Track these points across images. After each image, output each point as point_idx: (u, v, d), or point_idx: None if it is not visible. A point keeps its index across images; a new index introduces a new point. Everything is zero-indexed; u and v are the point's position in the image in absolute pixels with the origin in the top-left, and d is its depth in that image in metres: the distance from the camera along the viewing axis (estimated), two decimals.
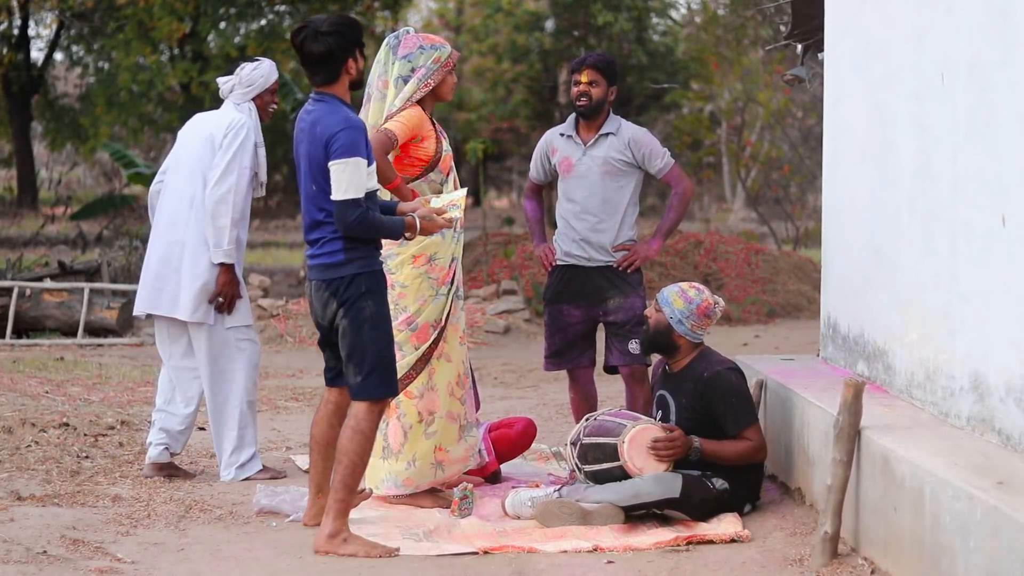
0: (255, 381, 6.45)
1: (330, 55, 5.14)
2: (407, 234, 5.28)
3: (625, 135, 6.54)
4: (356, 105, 5.44)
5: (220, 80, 6.51)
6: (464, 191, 5.61)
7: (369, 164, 5.12)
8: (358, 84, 5.30)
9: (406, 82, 5.85)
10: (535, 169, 6.83)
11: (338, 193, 5.04)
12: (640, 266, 6.56)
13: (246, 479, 6.30)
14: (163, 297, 6.35)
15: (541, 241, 6.78)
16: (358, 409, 5.18)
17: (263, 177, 6.46)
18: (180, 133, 6.60)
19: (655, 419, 5.83)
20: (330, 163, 5.05)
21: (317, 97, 5.21)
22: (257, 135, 6.41)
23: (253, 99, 6.44)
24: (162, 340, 6.47)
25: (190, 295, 6.29)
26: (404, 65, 5.88)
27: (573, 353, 6.62)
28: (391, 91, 5.87)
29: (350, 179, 5.03)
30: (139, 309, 6.49)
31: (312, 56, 5.15)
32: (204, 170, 6.31)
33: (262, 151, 6.43)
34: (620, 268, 6.51)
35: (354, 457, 5.14)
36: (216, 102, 6.66)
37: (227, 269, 6.27)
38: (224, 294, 6.27)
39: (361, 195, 5.05)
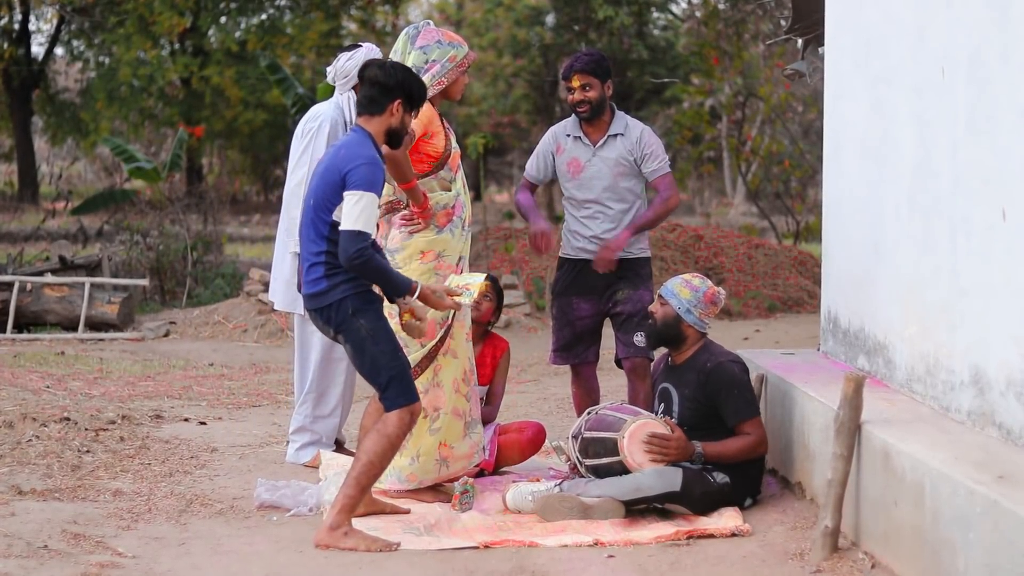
0: (328, 373, 6.62)
1: (383, 85, 5.16)
2: (406, 297, 5.16)
3: (634, 134, 6.48)
4: None
5: (328, 68, 6.71)
6: (483, 278, 5.54)
7: None
8: (396, 139, 5.26)
9: (418, 72, 5.83)
10: (534, 167, 6.70)
11: (347, 223, 5.01)
12: (614, 260, 6.41)
13: (304, 464, 6.54)
14: (271, 288, 6.80)
15: (537, 219, 6.54)
16: (389, 417, 5.20)
17: None
18: None
19: (657, 412, 5.84)
20: (346, 192, 5.04)
21: (354, 128, 5.24)
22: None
23: (353, 88, 6.48)
24: None
25: (280, 285, 6.66)
26: (419, 55, 5.85)
27: (580, 347, 6.61)
28: None
29: (360, 212, 5.01)
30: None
31: (368, 79, 5.20)
32: None
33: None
34: (597, 269, 6.42)
35: (373, 458, 5.15)
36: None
37: None
38: None
39: (370, 231, 5.04)
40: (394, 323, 5.38)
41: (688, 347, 5.83)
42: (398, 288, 5.15)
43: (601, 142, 6.49)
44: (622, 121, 6.51)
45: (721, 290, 5.90)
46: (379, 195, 5.09)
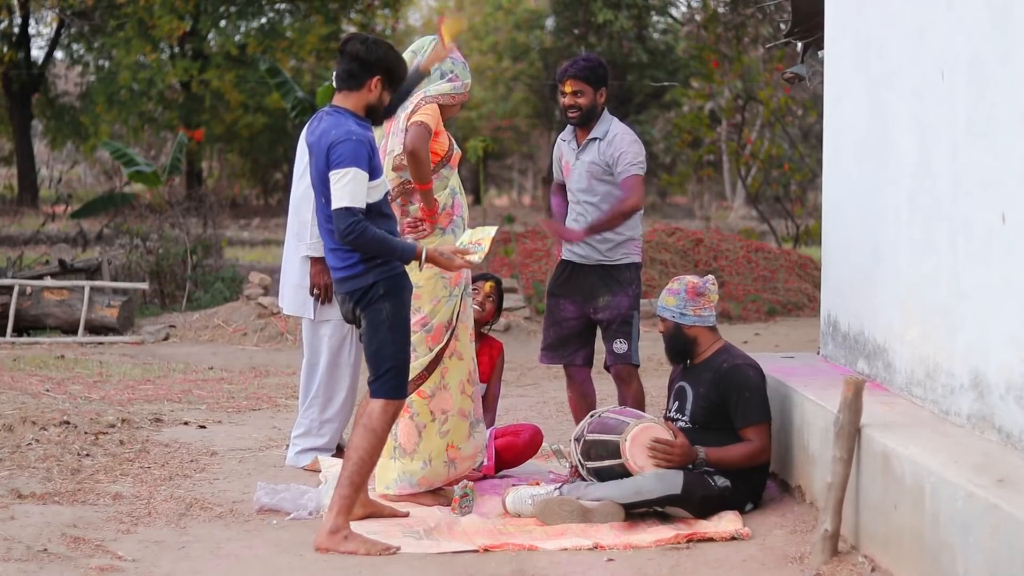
0: (335, 377, 6.61)
1: (364, 60, 5.13)
2: (415, 262, 5.16)
3: (609, 138, 6.49)
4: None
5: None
6: (495, 229, 5.55)
7: (373, 178, 5.09)
8: (376, 113, 5.25)
9: (442, 76, 5.91)
10: (555, 171, 6.86)
11: (335, 202, 5.00)
12: (579, 239, 6.43)
13: (304, 468, 6.53)
14: (280, 293, 6.82)
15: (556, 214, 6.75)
16: (372, 407, 5.19)
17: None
18: None
19: (671, 410, 5.85)
20: (330, 172, 5.03)
21: (329, 110, 5.19)
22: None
23: None
24: None
25: (288, 290, 6.69)
26: (448, 62, 5.95)
27: (568, 350, 6.62)
28: (431, 74, 5.92)
29: (344, 188, 4.98)
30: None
31: (348, 53, 5.15)
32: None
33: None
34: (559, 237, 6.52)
35: (363, 454, 5.15)
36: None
37: (315, 261, 6.52)
38: (316, 285, 6.54)
39: (358, 205, 4.99)
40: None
41: (704, 349, 5.83)
42: (403, 255, 5.13)
43: (582, 146, 6.54)
44: (605, 125, 6.51)
45: (708, 278, 5.89)
46: (365, 168, 5.02)
